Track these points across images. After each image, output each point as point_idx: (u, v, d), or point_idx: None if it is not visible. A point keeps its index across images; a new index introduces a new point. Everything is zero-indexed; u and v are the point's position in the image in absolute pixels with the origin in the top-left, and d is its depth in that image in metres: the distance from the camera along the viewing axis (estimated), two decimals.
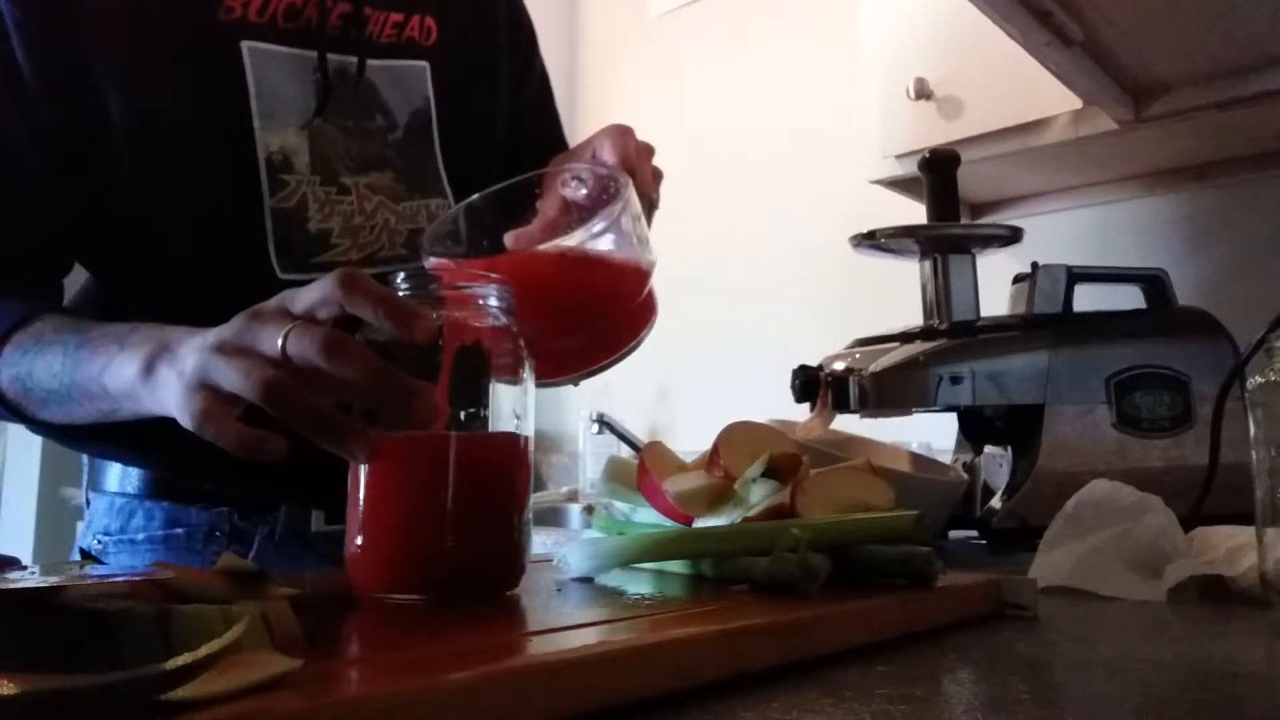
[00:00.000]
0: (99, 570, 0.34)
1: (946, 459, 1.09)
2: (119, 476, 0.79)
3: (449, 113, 0.82)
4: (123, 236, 0.73)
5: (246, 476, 0.65)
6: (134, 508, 0.78)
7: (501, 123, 0.88)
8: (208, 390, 0.49)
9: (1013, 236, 1.08)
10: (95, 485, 0.81)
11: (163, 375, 0.54)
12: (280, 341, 0.47)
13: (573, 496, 2.26)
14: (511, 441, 0.50)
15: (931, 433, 1.50)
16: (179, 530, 0.77)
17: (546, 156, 0.76)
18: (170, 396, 0.52)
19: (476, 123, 0.85)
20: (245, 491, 0.77)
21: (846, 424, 1.01)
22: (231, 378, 0.48)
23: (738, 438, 0.61)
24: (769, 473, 0.57)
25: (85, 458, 0.83)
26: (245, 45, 0.72)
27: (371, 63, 0.78)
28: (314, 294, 0.48)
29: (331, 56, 0.75)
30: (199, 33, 0.71)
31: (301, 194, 0.73)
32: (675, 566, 0.57)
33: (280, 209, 0.72)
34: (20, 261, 0.71)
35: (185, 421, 0.51)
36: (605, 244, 0.58)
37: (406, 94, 0.80)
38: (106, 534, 0.79)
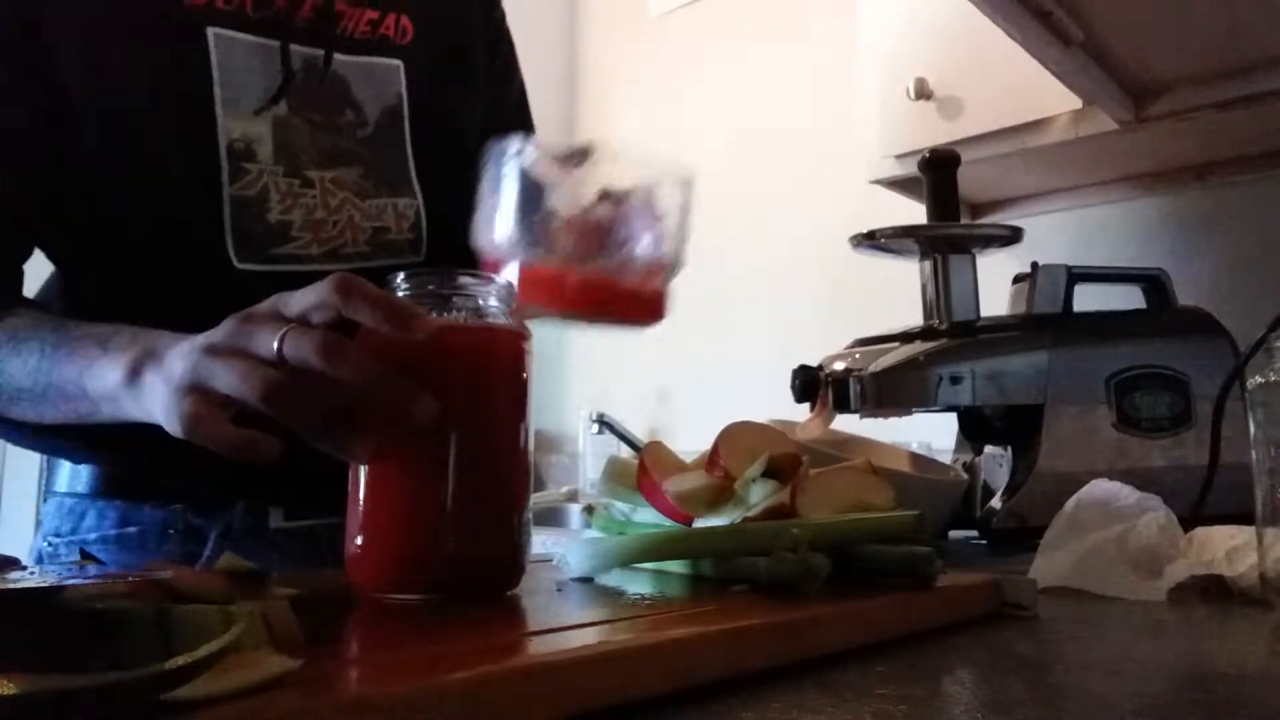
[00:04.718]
0: (99, 570, 0.34)
1: (946, 459, 1.09)
2: (69, 476, 0.78)
3: (422, 112, 0.82)
4: (79, 216, 0.72)
5: (200, 473, 0.66)
6: (84, 508, 0.77)
7: (477, 127, 0.88)
8: (197, 394, 0.49)
9: (1013, 236, 1.08)
10: (48, 487, 0.81)
11: (149, 381, 0.53)
12: (276, 344, 0.47)
13: (573, 496, 2.26)
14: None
15: (931, 433, 1.50)
16: (131, 529, 0.75)
17: None
18: (156, 402, 0.52)
19: (451, 124, 0.85)
20: (199, 488, 0.75)
21: (846, 424, 1.01)
22: (228, 379, 0.47)
23: (738, 438, 0.61)
24: (769, 473, 0.57)
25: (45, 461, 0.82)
26: (211, 31, 0.71)
27: (343, 58, 0.78)
28: (309, 298, 0.48)
29: (300, 48, 0.75)
30: (163, 17, 0.71)
31: (263, 184, 0.73)
32: (675, 566, 0.57)
33: (240, 197, 0.72)
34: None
35: (174, 427, 0.50)
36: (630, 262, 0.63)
37: (378, 91, 0.80)
38: (57, 535, 0.78)
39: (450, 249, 0.82)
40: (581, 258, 0.60)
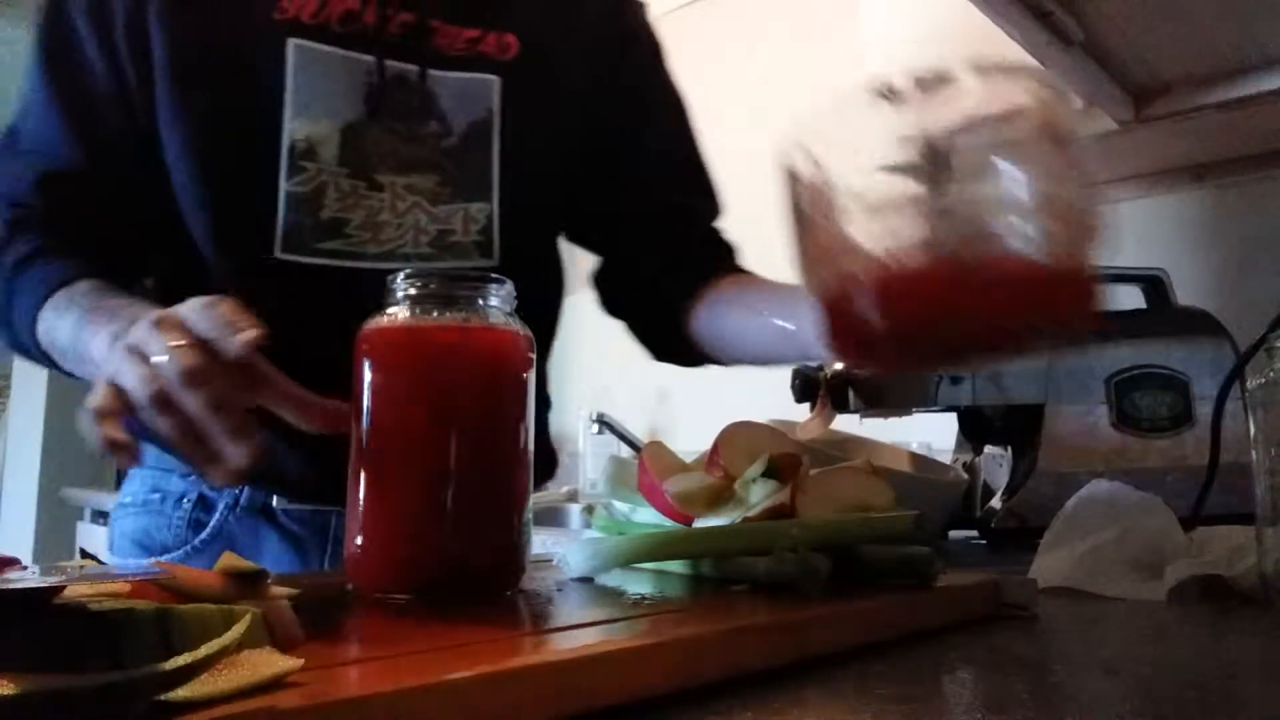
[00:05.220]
0: (99, 570, 0.34)
1: (946, 459, 1.09)
2: (155, 452, 0.83)
3: (516, 125, 0.82)
4: (146, 199, 0.77)
5: None
6: (135, 475, 0.85)
7: (576, 137, 0.87)
8: (114, 387, 0.51)
9: None
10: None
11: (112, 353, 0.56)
12: (163, 357, 0.49)
13: (573, 496, 2.25)
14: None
15: (931, 433, 1.49)
16: (155, 495, 0.82)
17: (683, 179, 0.87)
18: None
19: (545, 134, 0.84)
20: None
21: (846, 424, 1.01)
22: (128, 379, 0.50)
23: (738, 438, 0.61)
24: (769, 473, 0.57)
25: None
26: (292, 42, 0.75)
27: (435, 73, 0.79)
28: (191, 317, 0.50)
29: (392, 62, 0.77)
30: (250, 26, 0.75)
31: (320, 182, 0.76)
32: (675, 566, 0.57)
33: (295, 193, 0.75)
34: (95, 222, 0.75)
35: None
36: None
37: (467, 105, 0.80)
38: (118, 502, 0.87)
39: (529, 252, 0.82)
40: (966, 232, 0.39)
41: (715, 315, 0.82)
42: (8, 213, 0.74)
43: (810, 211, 0.43)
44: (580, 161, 0.88)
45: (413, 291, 0.49)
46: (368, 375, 0.49)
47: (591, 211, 0.91)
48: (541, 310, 0.89)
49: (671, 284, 0.85)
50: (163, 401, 0.49)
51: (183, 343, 0.49)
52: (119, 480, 3.03)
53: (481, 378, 0.50)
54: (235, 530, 0.79)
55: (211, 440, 0.49)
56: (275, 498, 0.80)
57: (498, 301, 0.50)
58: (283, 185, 0.75)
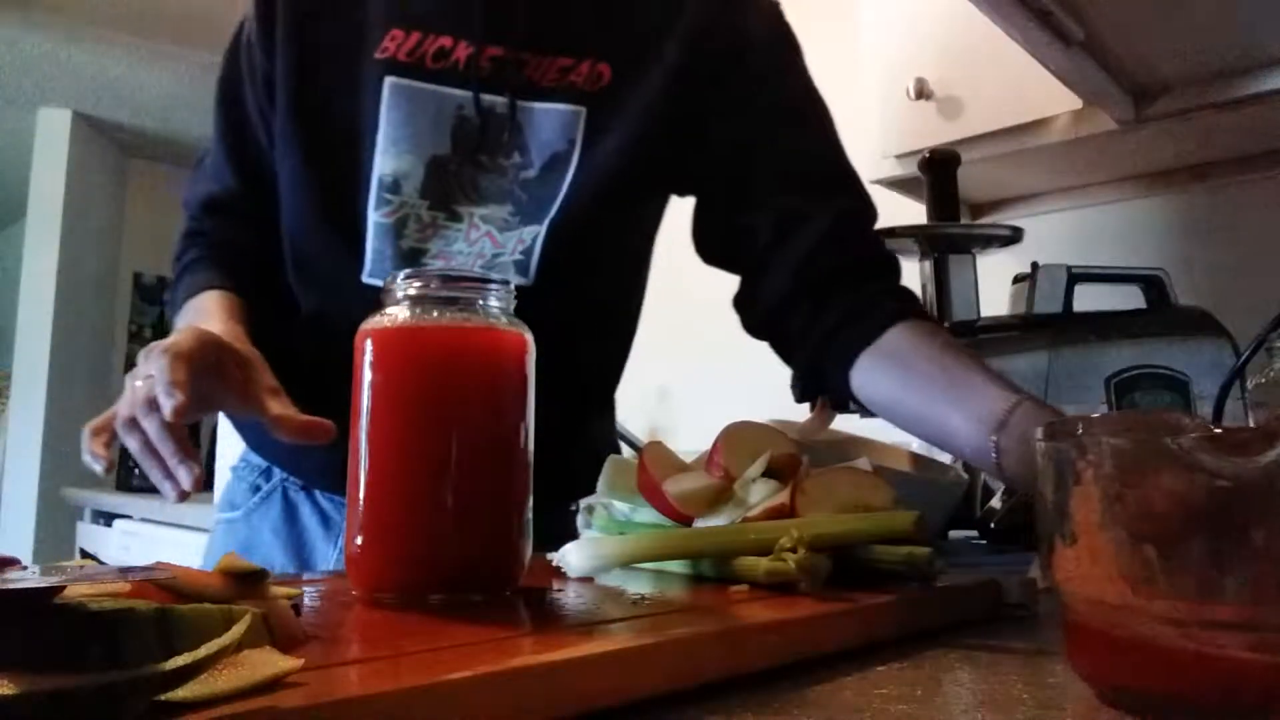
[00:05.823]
0: (99, 570, 0.34)
1: (946, 459, 1.09)
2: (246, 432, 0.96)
3: (591, 155, 0.80)
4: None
5: (261, 446, 0.91)
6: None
7: (657, 156, 0.84)
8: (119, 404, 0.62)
9: (1013, 236, 1.08)
10: None
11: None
12: (139, 383, 0.60)
13: None
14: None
15: None
16: (242, 464, 0.95)
17: (818, 185, 0.83)
18: None
19: (617, 164, 0.81)
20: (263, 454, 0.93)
21: (846, 424, 1.01)
22: (121, 400, 0.61)
23: (738, 438, 0.61)
24: (769, 473, 0.57)
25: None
26: (389, 81, 0.79)
27: (523, 104, 0.80)
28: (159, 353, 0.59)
29: (480, 96, 0.79)
30: (355, 67, 0.80)
31: (404, 214, 0.80)
32: (675, 566, 0.57)
33: (381, 223, 0.80)
34: (239, 245, 0.86)
35: None
36: None
37: (549, 137, 0.80)
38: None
39: (572, 271, 0.82)
40: None
41: (888, 390, 0.76)
42: (189, 222, 0.89)
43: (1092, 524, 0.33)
44: (668, 181, 0.88)
45: (412, 291, 0.49)
46: (367, 375, 0.49)
47: (717, 226, 0.87)
48: (595, 326, 0.89)
49: (831, 329, 0.78)
50: (130, 423, 0.60)
51: (151, 374, 0.58)
52: (119, 481, 3.04)
53: (481, 378, 0.50)
54: (279, 499, 0.89)
55: (166, 460, 0.59)
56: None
57: (498, 302, 0.50)
58: (370, 215, 0.80)
